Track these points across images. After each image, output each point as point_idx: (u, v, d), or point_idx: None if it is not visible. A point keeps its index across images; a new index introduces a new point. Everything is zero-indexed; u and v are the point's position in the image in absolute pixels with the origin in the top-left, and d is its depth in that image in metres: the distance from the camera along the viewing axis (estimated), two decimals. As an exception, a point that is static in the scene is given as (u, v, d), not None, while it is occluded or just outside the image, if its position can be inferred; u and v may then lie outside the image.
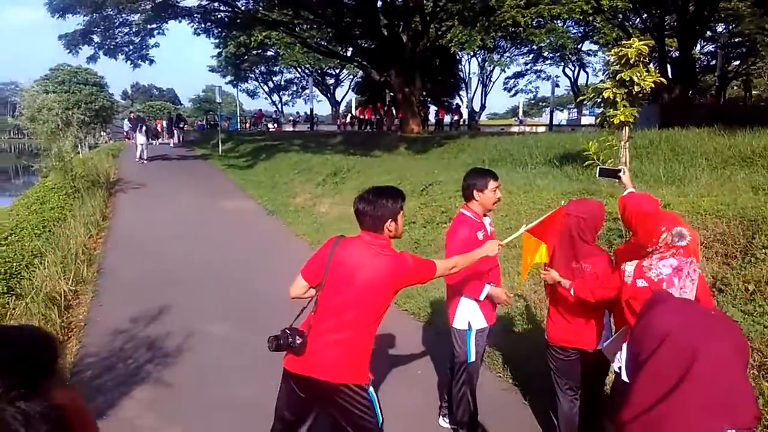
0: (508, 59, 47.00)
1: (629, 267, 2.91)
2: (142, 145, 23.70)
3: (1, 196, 23.35)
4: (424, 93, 33.45)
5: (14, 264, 7.34)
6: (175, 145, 30.98)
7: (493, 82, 51.55)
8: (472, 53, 42.96)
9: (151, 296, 6.77)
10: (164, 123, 36.49)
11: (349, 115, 42.33)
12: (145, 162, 23.10)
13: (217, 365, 5.01)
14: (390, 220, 2.96)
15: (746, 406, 1.16)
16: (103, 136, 40.31)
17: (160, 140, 33.91)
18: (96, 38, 24.57)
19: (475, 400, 3.94)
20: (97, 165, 17.83)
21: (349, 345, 2.90)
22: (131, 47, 25.96)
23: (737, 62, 39.41)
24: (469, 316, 3.81)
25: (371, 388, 2.97)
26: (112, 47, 25.12)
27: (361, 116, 35.99)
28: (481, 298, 3.75)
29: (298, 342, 2.87)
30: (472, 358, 3.82)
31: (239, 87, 55.83)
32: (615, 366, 3.10)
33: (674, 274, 2.74)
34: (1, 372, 0.65)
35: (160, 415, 4.09)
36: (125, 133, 39.80)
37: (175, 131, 32.59)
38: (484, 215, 3.87)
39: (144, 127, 24.75)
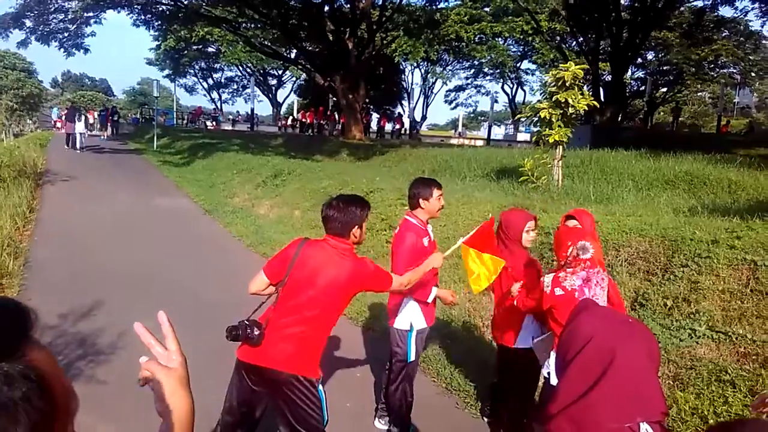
0: (449, 72, 48.05)
1: (547, 278, 3.26)
2: (81, 134, 23.97)
3: None
4: (367, 100, 33.65)
5: (-67, 254, 6.97)
6: (108, 137, 29.97)
7: (435, 94, 52.54)
8: (415, 64, 43.63)
9: (81, 292, 6.57)
10: (96, 114, 35.14)
11: (291, 117, 42.05)
12: (80, 151, 23.20)
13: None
14: (356, 226, 3.12)
15: (656, 402, 1.34)
16: (29, 124, 38.50)
17: (91, 132, 32.70)
18: (29, 23, 23.43)
19: (412, 400, 4.09)
20: (23, 154, 17.03)
21: (305, 339, 3.00)
22: (66, 34, 24.85)
23: (665, 89, 41.63)
24: (411, 316, 3.95)
25: (321, 386, 3.06)
26: (45, 33, 23.97)
27: (303, 119, 35.85)
28: (430, 300, 3.92)
29: (255, 333, 2.94)
30: (412, 358, 3.96)
31: (177, 82, 54.51)
32: (544, 372, 3.37)
33: (584, 284, 3.14)
34: None
35: (94, 413, 4.00)
36: (53, 122, 38.18)
37: (109, 124, 31.52)
38: (428, 222, 4.02)
39: (83, 117, 25.03)
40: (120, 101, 71.40)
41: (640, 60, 36.80)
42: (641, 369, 1.32)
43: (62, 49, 25.08)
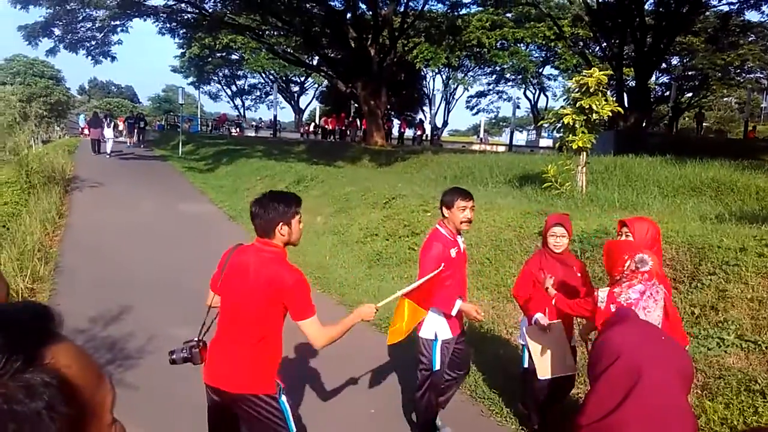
0: (471, 78, 47.89)
1: (602, 293, 3.09)
2: (110, 139, 24.97)
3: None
4: (389, 106, 33.75)
5: (-32, 259, 7.16)
6: (133, 144, 30.44)
7: (456, 100, 52.38)
8: (436, 70, 43.58)
9: (110, 297, 6.69)
10: (124, 121, 35.76)
11: (313, 123, 42.31)
12: (109, 156, 24.08)
13: (180, 368, 5.02)
14: (281, 223, 2.85)
15: (683, 425, 1.34)
16: (57, 131, 39.29)
17: (117, 139, 33.22)
18: (57, 31, 24.06)
19: (437, 407, 4.12)
20: (52, 161, 17.38)
21: (245, 356, 2.84)
22: (93, 42, 25.47)
23: (690, 94, 41.08)
24: (436, 326, 3.94)
25: (283, 397, 2.93)
26: (73, 41, 24.60)
27: (326, 126, 36.04)
28: (453, 313, 3.88)
29: (193, 353, 2.94)
30: (437, 367, 3.95)
31: (201, 89, 55.20)
32: (519, 341, 3.58)
33: (641, 298, 2.93)
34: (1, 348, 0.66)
35: (124, 417, 4.05)
36: (81, 129, 38.87)
37: (135, 130, 32.03)
38: (459, 233, 3.95)
39: (112, 123, 26.33)
40: (145, 108, 72.40)
41: (664, 65, 36.37)
42: (668, 391, 1.31)
43: (89, 57, 25.72)
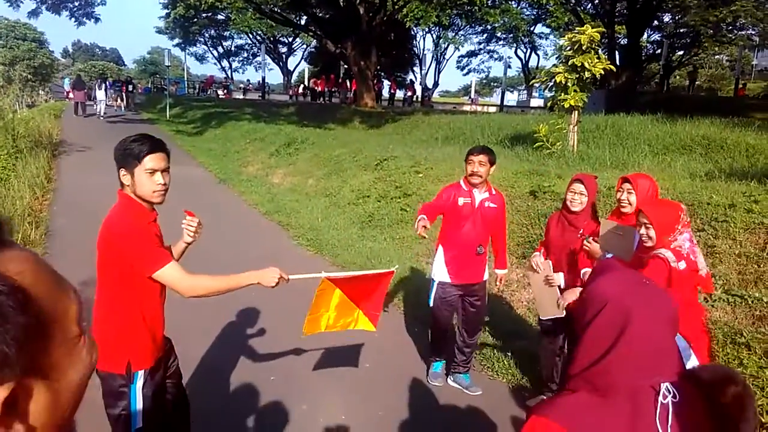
0: (462, 38, 47.22)
1: (667, 253, 2.97)
2: (102, 101, 25.49)
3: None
4: (379, 67, 33.32)
5: (-44, 224, 7.10)
6: (121, 108, 30.02)
7: (447, 60, 51.92)
8: (427, 29, 42.89)
9: (102, 261, 6.69)
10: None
11: (302, 85, 41.79)
12: (101, 118, 24.51)
13: (178, 327, 5.06)
14: (121, 168, 2.53)
15: (673, 364, 1.38)
16: (42, 95, 38.63)
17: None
18: (39, -8, 23.46)
19: (441, 340, 4.50)
20: (39, 125, 17.15)
21: (96, 322, 2.51)
22: (76, 3, 24.85)
23: (681, 52, 40.75)
24: (435, 267, 4.34)
25: (138, 384, 2.54)
26: (56, 2, 23.97)
27: (315, 87, 35.61)
28: (416, 228, 3.98)
29: None
30: (431, 303, 4.41)
31: (187, 51, 54.15)
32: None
33: (693, 244, 3.04)
34: None
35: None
36: (66, 93, 38.28)
37: (124, 93, 31.58)
38: (475, 187, 4.17)
39: (103, 85, 26.42)
40: (131, 71, 71.27)
41: (656, 22, 35.97)
42: (657, 331, 1.35)
43: (72, 19, 25.12)
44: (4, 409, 0.60)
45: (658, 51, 37.68)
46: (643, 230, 3.04)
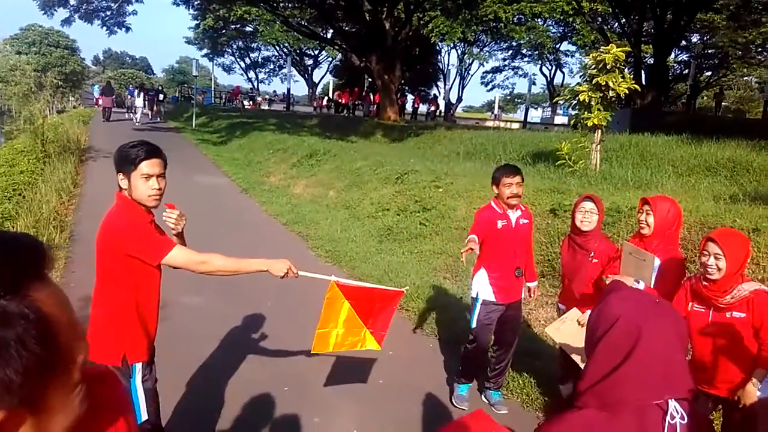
0: (487, 54, 47.36)
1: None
2: (140, 108, 26.58)
3: (-35, 155, 22.68)
4: (403, 81, 33.50)
5: (-16, 226, 7.28)
6: (152, 116, 30.44)
7: (471, 75, 51.98)
8: (452, 45, 43.09)
9: (124, 266, 6.78)
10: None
11: (326, 97, 42.14)
12: (138, 124, 25.49)
13: (191, 334, 5.11)
14: (119, 173, 2.62)
15: (684, 380, 1.37)
16: (72, 101, 39.43)
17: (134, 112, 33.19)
18: (72, 1, 24.00)
19: (475, 363, 4.38)
20: (68, 130, 17.50)
21: (92, 315, 2.66)
22: (108, 13, 25.43)
23: (709, 73, 40.36)
24: (478, 285, 4.25)
25: (137, 377, 2.63)
26: (88, 11, 24.57)
27: (339, 100, 35.89)
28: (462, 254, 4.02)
29: None
30: (473, 324, 4.29)
31: (215, 61, 55.06)
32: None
33: None
34: None
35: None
36: (95, 99, 39.01)
37: (155, 103, 32.06)
38: (510, 208, 4.14)
39: (140, 93, 27.60)
40: (159, 79, 72.45)
41: (684, 42, 35.71)
42: (668, 347, 1.34)
43: (104, 27, 25.69)
44: None
45: (686, 71, 37.38)
46: (712, 260, 2.90)
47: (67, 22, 24.89)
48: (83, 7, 24.35)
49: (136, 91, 28.33)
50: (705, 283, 2.97)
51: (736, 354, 2.91)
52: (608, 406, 1.33)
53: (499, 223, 4.12)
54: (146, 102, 28.12)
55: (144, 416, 2.61)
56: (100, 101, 28.05)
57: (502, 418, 4.24)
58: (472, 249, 3.91)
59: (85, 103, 39.74)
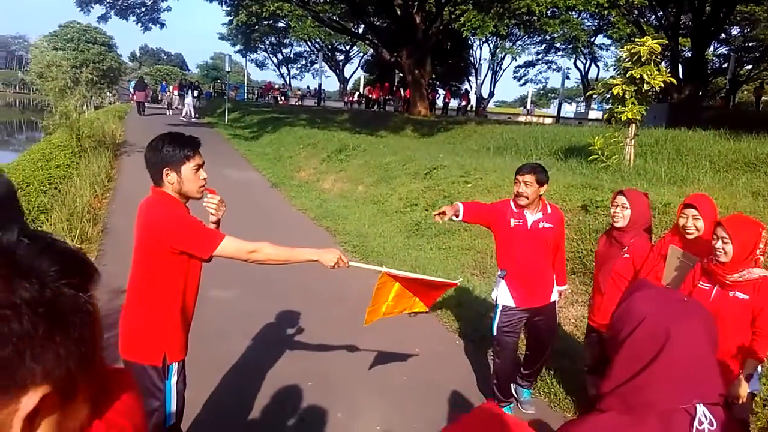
0: (519, 48, 46.87)
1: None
2: (189, 104, 27.70)
3: (5, 150, 23.35)
4: (434, 76, 33.33)
5: (21, 218, 7.43)
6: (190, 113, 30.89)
7: (503, 70, 51.68)
8: (484, 39, 42.65)
9: (154, 259, 6.87)
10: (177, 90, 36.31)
11: (357, 92, 42.20)
12: (186, 119, 26.44)
13: (221, 329, 5.14)
14: (166, 168, 2.54)
15: (713, 383, 1.30)
16: (108, 96, 40.18)
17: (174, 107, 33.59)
18: (108, -2, 24.51)
19: (506, 375, 4.18)
20: (103, 125, 17.84)
21: (129, 313, 2.59)
22: (143, 9, 25.86)
23: (749, 66, 39.23)
24: (498, 291, 4.07)
25: (172, 378, 2.58)
26: (123, 8, 25.06)
27: (369, 95, 35.89)
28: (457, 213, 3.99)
29: None
30: (494, 332, 4.08)
31: (248, 57, 55.54)
32: None
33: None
34: (61, 266, 0.68)
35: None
36: (132, 95, 39.74)
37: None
38: (524, 208, 3.92)
39: (189, 90, 28.95)
40: (194, 75, 73.45)
41: (723, 35, 34.74)
42: (698, 349, 1.27)
43: (139, 24, 26.14)
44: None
45: (725, 65, 36.39)
46: (720, 244, 2.95)
47: (103, 18, 25.43)
48: (118, 4, 24.82)
49: (185, 88, 29.81)
50: (716, 262, 3.01)
51: (729, 340, 2.89)
52: (632, 410, 1.27)
53: (513, 222, 3.90)
54: (194, 98, 28.86)
55: (172, 420, 2.58)
56: (135, 97, 28.66)
57: (528, 420, 4.17)
58: (445, 213, 3.90)
59: (122, 99, 40.51)
